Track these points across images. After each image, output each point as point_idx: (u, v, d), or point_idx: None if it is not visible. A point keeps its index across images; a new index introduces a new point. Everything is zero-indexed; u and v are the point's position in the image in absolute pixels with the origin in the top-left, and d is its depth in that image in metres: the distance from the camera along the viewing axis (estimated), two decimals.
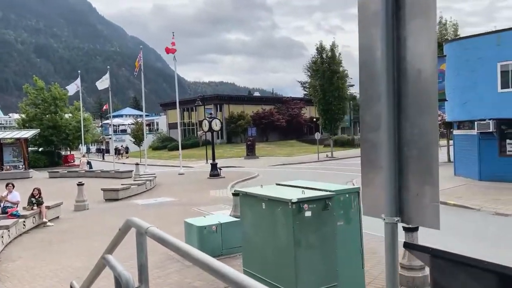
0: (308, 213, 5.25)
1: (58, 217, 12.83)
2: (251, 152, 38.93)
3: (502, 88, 16.37)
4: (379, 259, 7.55)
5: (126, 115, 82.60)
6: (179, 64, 26.57)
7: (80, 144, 41.66)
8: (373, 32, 2.00)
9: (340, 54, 36.40)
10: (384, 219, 1.94)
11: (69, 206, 14.15)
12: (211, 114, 26.91)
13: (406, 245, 1.74)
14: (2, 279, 7.36)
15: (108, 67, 32.05)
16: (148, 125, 64.34)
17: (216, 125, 23.00)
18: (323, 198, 5.36)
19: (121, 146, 55.29)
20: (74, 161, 42.13)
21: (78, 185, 14.59)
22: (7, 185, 11.84)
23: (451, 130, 26.74)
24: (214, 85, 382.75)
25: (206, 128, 22.90)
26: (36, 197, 11.87)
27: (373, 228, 7.57)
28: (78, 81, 34.32)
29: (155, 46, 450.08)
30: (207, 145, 39.27)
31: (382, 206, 1.95)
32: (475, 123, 16.94)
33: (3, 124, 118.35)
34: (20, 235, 10.68)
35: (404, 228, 6.12)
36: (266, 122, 57.17)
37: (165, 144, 58.56)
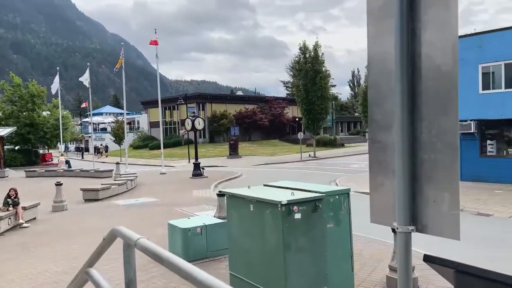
0: (298, 215, 5.10)
1: (35, 218, 12.38)
2: (234, 152, 38.71)
3: (483, 89, 16.59)
4: (366, 261, 7.48)
5: (106, 113, 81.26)
6: (160, 62, 26.18)
7: (59, 143, 40.69)
8: (385, 24, 1.84)
9: (323, 54, 36.52)
10: (397, 228, 1.78)
11: (47, 206, 13.69)
12: (194, 113, 26.61)
13: (427, 259, 1.59)
14: None
15: (88, 64, 31.29)
16: (129, 123, 63.40)
17: (199, 124, 22.70)
18: (313, 199, 5.22)
19: (101, 145, 54.31)
20: (52, 160, 41.15)
21: (56, 185, 14.13)
22: None
23: None
24: (196, 84, 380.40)
25: (189, 127, 22.58)
26: (12, 197, 11.43)
27: (358, 229, 7.50)
28: (57, 78, 33.49)
29: (136, 43, 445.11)
30: (189, 144, 38.86)
31: (393, 213, 1.80)
32: None
33: None
34: None
35: (393, 230, 6.05)
36: (249, 121, 57.01)
37: (146, 143, 57.79)
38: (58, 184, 14.08)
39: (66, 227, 11.33)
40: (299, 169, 26.80)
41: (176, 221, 8.35)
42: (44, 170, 28.32)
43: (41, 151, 43.13)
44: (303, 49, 36.31)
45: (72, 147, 69.72)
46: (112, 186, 16.83)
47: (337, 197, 5.59)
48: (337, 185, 18.55)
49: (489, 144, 16.97)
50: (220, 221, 8.30)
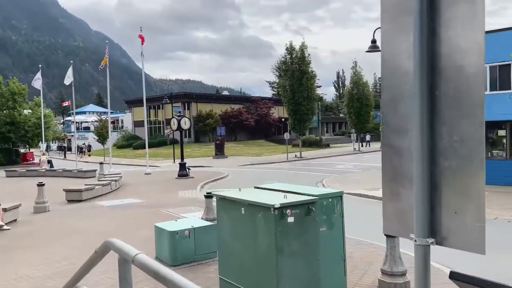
0: (291, 219, 4.98)
1: (15, 220, 12.00)
2: (220, 152, 38.48)
3: None
4: (356, 264, 7.40)
5: (89, 112, 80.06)
6: (145, 61, 25.82)
7: (40, 142, 39.87)
8: (401, 21, 1.72)
9: (309, 54, 36.57)
10: (415, 241, 1.67)
11: (28, 208, 13.29)
12: (180, 112, 26.32)
13: (454, 276, 1.46)
14: None
15: (72, 62, 30.68)
16: (113, 122, 62.57)
17: (185, 124, 22.44)
18: (306, 203, 5.10)
19: (83, 144, 53.43)
20: (33, 160, 40.30)
21: (38, 185, 13.73)
22: None
23: None
24: (181, 83, 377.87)
25: (174, 126, 22.29)
26: None
27: (347, 231, 7.42)
28: (39, 74, 32.73)
29: (120, 41, 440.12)
30: (174, 144, 38.47)
31: (409, 224, 1.68)
32: None
33: None
34: None
35: (386, 234, 5.99)
36: (235, 121, 56.82)
37: (130, 143, 57.10)
38: (40, 185, 13.69)
39: (48, 229, 11.00)
40: (285, 170, 26.75)
41: (163, 223, 8.16)
42: (25, 170, 27.67)
43: (22, 150, 42.20)
44: (290, 49, 36.32)
45: (54, 146, 68.47)
46: (96, 187, 16.48)
47: (330, 200, 5.50)
48: (323, 186, 18.52)
49: None
50: (209, 223, 8.13)
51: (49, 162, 31.01)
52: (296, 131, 37.69)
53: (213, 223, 8.29)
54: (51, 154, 51.69)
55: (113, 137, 48.92)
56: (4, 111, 37.08)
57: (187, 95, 60.58)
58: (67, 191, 15.76)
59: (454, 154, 1.59)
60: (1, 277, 7.22)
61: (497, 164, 16.30)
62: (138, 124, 63.81)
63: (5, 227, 11.02)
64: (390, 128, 1.80)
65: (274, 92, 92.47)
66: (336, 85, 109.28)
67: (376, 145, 49.51)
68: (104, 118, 43.93)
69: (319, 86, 69.07)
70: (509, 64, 15.90)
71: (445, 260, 7.49)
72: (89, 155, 50.75)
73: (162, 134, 58.38)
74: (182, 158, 22.66)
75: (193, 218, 9.00)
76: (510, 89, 15.96)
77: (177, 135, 38.08)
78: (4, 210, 11.30)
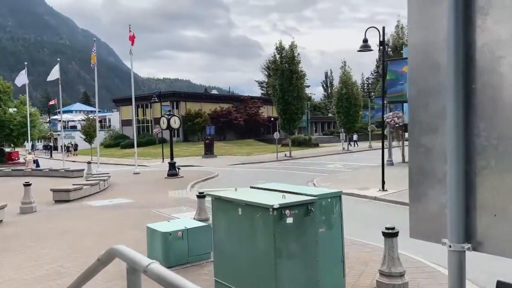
0: (289, 220, 4.86)
1: (1, 220, 11.66)
2: (209, 151, 38.24)
3: None
4: (352, 264, 7.31)
5: (76, 111, 79.01)
6: (133, 59, 25.43)
7: (26, 141, 39.15)
8: (433, 9, 1.60)
9: (299, 54, 36.56)
10: (449, 246, 1.55)
11: (14, 208, 12.94)
12: (169, 111, 26.05)
13: (502, 286, 1.35)
14: None
15: (59, 59, 30.14)
16: (100, 121, 61.76)
17: (175, 123, 22.17)
18: (306, 203, 4.99)
19: (69, 143, 52.65)
20: (18, 159, 39.55)
21: (24, 185, 13.38)
22: None
23: (404, 132, 27.49)
24: (169, 82, 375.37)
25: (164, 125, 22.01)
26: None
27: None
28: (23, 72, 32.08)
29: (108, 40, 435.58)
30: (163, 143, 38.12)
31: (440, 228, 1.57)
32: None
33: None
34: None
35: (383, 233, 5.89)
36: (224, 120, 56.60)
37: (117, 142, 56.54)
38: (27, 185, 13.34)
39: (36, 230, 10.71)
40: (276, 169, 26.66)
41: (155, 224, 7.97)
42: (10, 169, 27.10)
43: (7, 150, 41.40)
44: (280, 48, 36.26)
45: (39, 145, 67.41)
46: (84, 187, 16.15)
47: (329, 200, 5.40)
48: (314, 185, 18.47)
49: None
50: (202, 224, 7.97)
51: (35, 161, 30.45)
52: (286, 130, 37.65)
53: (206, 224, 8.14)
54: (37, 153, 50.86)
55: (100, 136, 48.32)
56: None
57: (176, 94, 60.13)
58: (54, 191, 15.42)
59: (493, 152, 1.47)
60: None
61: None
62: (126, 123, 63.16)
63: None
64: (418, 126, 1.67)
65: (263, 92, 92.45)
66: (324, 85, 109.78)
67: (364, 145, 49.76)
68: (91, 117, 43.31)
69: (308, 86, 69.30)
70: None
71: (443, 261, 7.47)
72: (75, 155, 50.06)
73: (150, 133, 57.86)
74: (171, 158, 22.41)
75: (186, 219, 8.83)
76: None
77: (165, 134, 37.72)
78: None
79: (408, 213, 1.73)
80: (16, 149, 42.75)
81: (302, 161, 33.02)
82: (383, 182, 15.50)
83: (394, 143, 29.42)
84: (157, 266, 1.41)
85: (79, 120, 59.62)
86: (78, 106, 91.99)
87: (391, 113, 16.00)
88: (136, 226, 10.59)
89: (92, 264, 1.82)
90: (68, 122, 66.96)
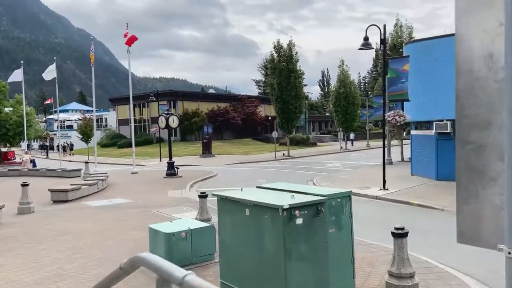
0: (299, 221, 4.73)
1: None
2: (207, 150, 38.07)
3: None
4: (359, 265, 7.19)
5: (72, 110, 78.56)
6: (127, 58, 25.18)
7: (22, 140, 38.81)
8: None
9: (297, 53, 36.44)
10: (508, 253, 1.42)
11: (12, 209, 12.76)
12: (168, 110, 25.84)
13: None
14: None
15: (55, 58, 29.88)
16: (96, 121, 61.39)
17: (174, 122, 22.00)
18: (315, 203, 4.86)
19: (65, 143, 52.31)
20: (14, 159, 39.24)
21: (22, 185, 13.18)
22: None
23: (404, 130, 27.45)
24: (166, 81, 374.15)
25: (163, 124, 21.83)
26: None
27: None
28: (18, 71, 31.74)
29: (103, 39, 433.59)
30: (160, 143, 37.92)
31: (496, 233, 1.44)
32: (433, 123, 17.25)
33: None
34: None
35: (393, 234, 5.78)
36: (222, 120, 56.41)
37: (114, 141, 56.25)
38: (25, 185, 13.14)
39: (34, 231, 10.53)
40: (275, 168, 26.54)
41: (158, 224, 7.82)
42: (7, 169, 26.82)
43: (3, 149, 41.05)
44: (277, 47, 36.11)
45: (35, 145, 66.97)
46: (83, 187, 15.96)
47: (338, 200, 5.28)
48: (314, 184, 18.36)
49: None
50: (205, 224, 7.84)
51: (32, 161, 30.17)
52: (284, 129, 37.53)
53: (209, 224, 8.00)
54: (33, 153, 50.49)
55: (97, 135, 48.06)
56: None
57: (173, 93, 59.86)
58: (52, 191, 15.22)
59: None
60: None
61: None
62: (122, 122, 62.86)
63: None
64: (467, 121, 1.55)
65: (260, 91, 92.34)
66: (321, 84, 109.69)
67: (361, 144, 49.71)
68: (88, 116, 43.00)
69: (305, 85, 69.36)
70: None
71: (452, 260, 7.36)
72: (71, 154, 49.73)
73: (147, 132, 57.62)
74: (170, 157, 22.24)
75: (188, 219, 8.69)
76: None
77: (163, 134, 37.54)
78: None
79: (456, 217, 1.60)
80: (12, 149, 42.43)
81: (301, 160, 32.91)
82: (384, 181, 15.42)
83: (394, 142, 29.40)
84: (194, 278, 1.25)
85: (75, 120, 59.28)
86: (74, 105, 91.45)
87: (392, 112, 15.89)
88: (136, 226, 10.44)
89: (112, 272, 1.67)
90: (64, 122, 66.54)
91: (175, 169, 21.79)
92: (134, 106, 57.45)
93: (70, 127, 64.73)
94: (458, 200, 1.61)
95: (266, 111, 64.24)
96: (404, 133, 30.55)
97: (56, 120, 40.71)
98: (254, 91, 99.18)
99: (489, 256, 7.93)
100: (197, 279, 1.25)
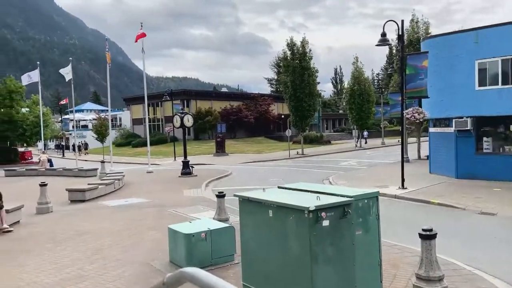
0: (326, 223, 4.60)
1: (18, 221, 11.56)
2: (220, 149, 38.04)
3: (479, 85, 16.40)
4: (384, 267, 7.00)
5: (87, 110, 79.37)
6: (140, 58, 25.26)
7: (39, 141, 39.32)
8: None
9: (310, 50, 36.12)
10: None
11: (30, 208, 12.85)
12: (182, 109, 25.88)
13: None
14: None
15: (71, 59, 30.17)
16: (111, 120, 61.93)
17: (188, 121, 21.97)
18: (342, 204, 4.72)
19: (80, 142, 52.85)
20: (31, 158, 39.76)
21: (40, 185, 13.26)
22: None
23: (422, 127, 26.99)
24: (178, 80, 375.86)
25: (177, 124, 21.82)
26: None
27: None
28: (34, 72, 32.09)
29: (116, 39, 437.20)
30: (174, 142, 38.02)
31: None
32: (453, 120, 16.91)
33: None
34: None
35: (420, 235, 5.60)
36: (235, 118, 56.36)
37: (129, 141, 56.63)
38: (43, 185, 13.22)
39: (53, 231, 10.57)
40: (289, 167, 26.37)
41: (177, 225, 7.75)
42: (24, 169, 27.16)
43: (20, 149, 41.65)
44: (291, 45, 35.86)
45: (51, 144, 67.84)
46: (100, 186, 16.02)
47: (365, 201, 5.12)
48: (330, 183, 18.14)
49: (485, 141, 16.81)
50: (225, 225, 7.74)
51: (49, 161, 30.52)
52: (298, 127, 37.29)
53: (229, 225, 7.90)
54: (49, 153, 51.14)
55: (111, 135, 48.48)
56: (2, 110, 36.50)
57: (186, 92, 60.01)
58: (69, 190, 15.31)
59: None
60: (6, 283, 6.81)
61: (510, 159, 15.96)
62: (136, 122, 63.29)
63: (8, 228, 10.59)
64: None
65: (272, 89, 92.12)
66: (334, 82, 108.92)
67: (375, 142, 49.16)
68: (103, 116, 43.35)
69: (318, 83, 69.11)
70: None
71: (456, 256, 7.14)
72: (86, 154, 50.21)
73: (161, 131, 57.87)
74: (185, 156, 22.23)
75: (207, 220, 8.60)
76: None
77: (177, 133, 37.62)
78: (7, 211, 10.85)
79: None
80: (29, 149, 43.02)
81: (315, 158, 32.68)
82: (403, 180, 15.14)
83: (410, 139, 28.95)
84: None
85: (90, 120, 59.85)
86: (89, 105, 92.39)
87: (410, 109, 15.59)
88: (154, 226, 10.42)
89: (154, 286, 1.55)
90: (79, 122, 67.26)
91: (190, 168, 21.78)
92: (148, 105, 57.71)
93: (85, 127, 65.37)
94: None
95: (279, 109, 64.00)
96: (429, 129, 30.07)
97: (72, 120, 41.09)
98: (266, 89, 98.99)
99: (505, 259, 7.69)
100: None
